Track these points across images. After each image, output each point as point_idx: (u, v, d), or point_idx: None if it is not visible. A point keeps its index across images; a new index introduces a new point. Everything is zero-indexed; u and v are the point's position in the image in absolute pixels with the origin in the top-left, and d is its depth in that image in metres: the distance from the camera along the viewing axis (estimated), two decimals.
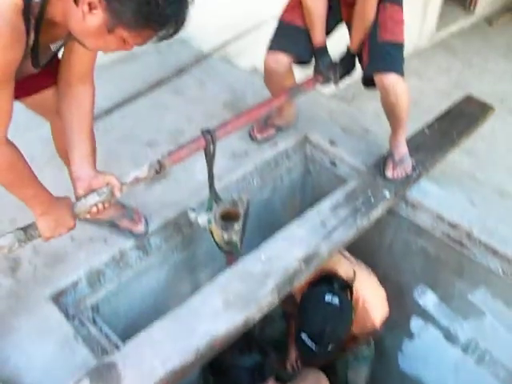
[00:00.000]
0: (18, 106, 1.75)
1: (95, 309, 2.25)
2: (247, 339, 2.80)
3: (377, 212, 2.34)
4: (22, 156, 1.58)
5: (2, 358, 1.89)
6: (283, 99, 2.38)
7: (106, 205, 1.79)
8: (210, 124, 2.10)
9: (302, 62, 2.56)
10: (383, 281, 2.74)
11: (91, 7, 1.31)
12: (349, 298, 2.58)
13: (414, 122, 2.73)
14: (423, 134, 2.78)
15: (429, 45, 6.57)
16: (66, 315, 2.06)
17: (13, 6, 1.29)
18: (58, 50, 1.66)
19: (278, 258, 2.05)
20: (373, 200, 2.37)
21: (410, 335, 3.06)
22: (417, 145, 2.67)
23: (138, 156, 2.65)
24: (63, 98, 1.78)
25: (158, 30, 1.39)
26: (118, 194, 1.78)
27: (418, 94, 5.21)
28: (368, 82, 2.45)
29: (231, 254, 2.17)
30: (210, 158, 2.05)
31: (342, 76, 2.54)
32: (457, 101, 3.08)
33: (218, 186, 2.24)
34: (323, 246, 2.12)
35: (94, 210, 1.76)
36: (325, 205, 2.32)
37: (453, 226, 2.48)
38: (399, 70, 2.32)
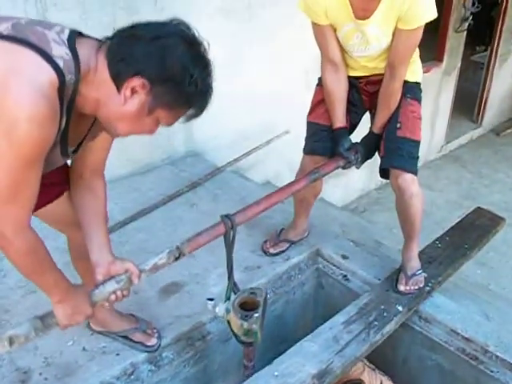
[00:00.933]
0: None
1: None
2: None
3: (390, 327, 2.33)
4: (43, 242, 1.58)
5: None
6: (303, 184, 2.32)
7: (125, 292, 1.76)
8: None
9: None
10: None
11: (133, 92, 1.39)
12: None
13: (426, 233, 2.78)
14: (435, 247, 2.83)
15: (438, 156, 6.76)
16: None
17: (49, 83, 1.32)
18: (81, 144, 1.67)
19: (291, 375, 2.04)
20: (386, 314, 2.37)
21: None
22: (429, 258, 2.71)
23: None
24: (76, 189, 1.81)
25: (193, 108, 1.48)
26: (136, 281, 1.75)
27: (430, 205, 5.28)
28: (384, 173, 2.49)
29: (249, 345, 2.09)
30: (229, 245, 2.02)
31: (364, 158, 2.52)
32: (467, 213, 3.13)
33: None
34: (336, 361, 2.11)
35: (113, 297, 1.74)
36: (337, 320, 2.32)
37: (468, 340, 2.45)
38: (414, 170, 2.39)
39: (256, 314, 1.95)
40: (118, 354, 2.28)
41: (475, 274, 3.97)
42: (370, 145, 2.52)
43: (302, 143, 2.65)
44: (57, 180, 1.79)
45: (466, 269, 2.83)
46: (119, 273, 1.74)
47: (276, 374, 2.03)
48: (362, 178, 5.36)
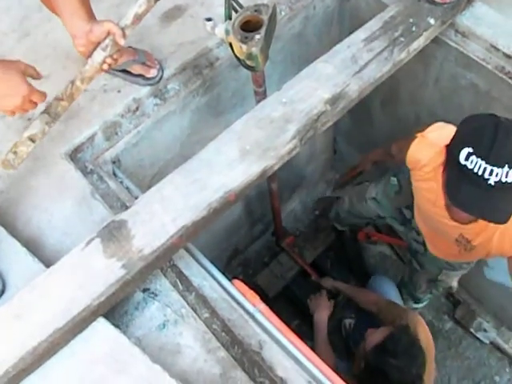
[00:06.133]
0: None
1: (116, 162, 2.14)
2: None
3: (418, 43, 2.04)
4: None
5: (24, 220, 1.85)
6: None
7: (116, 56, 1.66)
8: None
9: None
10: (429, 119, 2.49)
11: None
12: None
13: None
14: None
15: None
16: (84, 172, 1.97)
17: None
18: None
19: (301, 100, 1.82)
20: (414, 29, 2.04)
21: None
22: None
23: None
24: None
25: None
26: (121, 41, 1.62)
27: None
28: None
29: (255, 71, 1.89)
30: None
31: None
32: None
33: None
34: (352, 84, 1.87)
35: (105, 66, 1.66)
36: (357, 37, 2.02)
37: (509, 57, 2.16)
38: None
39: (257, 36, 1.69)
40: (119, 91, 2.15)
41: None
42: None
43: None
44: None
45: None
46: (101, 38, 1.61)
47: (284, 100, 1.83)
48: None
